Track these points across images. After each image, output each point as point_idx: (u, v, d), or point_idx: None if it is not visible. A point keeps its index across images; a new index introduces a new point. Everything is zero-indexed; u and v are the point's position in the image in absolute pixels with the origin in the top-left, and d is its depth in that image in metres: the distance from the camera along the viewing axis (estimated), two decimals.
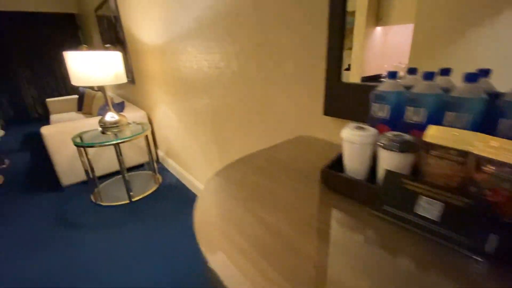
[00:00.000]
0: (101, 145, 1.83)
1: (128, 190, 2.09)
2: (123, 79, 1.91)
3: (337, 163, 0.57)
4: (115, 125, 1.99)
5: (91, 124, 2.27)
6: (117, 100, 3.00)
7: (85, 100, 3.74)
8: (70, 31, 5.12)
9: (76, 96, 4.07)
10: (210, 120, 1.56)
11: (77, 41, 5.22)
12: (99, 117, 2.35)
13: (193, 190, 2.12)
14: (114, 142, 1.86)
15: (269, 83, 1.03)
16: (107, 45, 4.01)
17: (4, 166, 2.92)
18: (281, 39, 0.92)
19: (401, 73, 0.57)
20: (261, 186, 0.57)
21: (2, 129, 4.50)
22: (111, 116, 1.98)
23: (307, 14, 0.80)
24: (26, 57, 4.83)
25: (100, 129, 2.03)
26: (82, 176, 2.33)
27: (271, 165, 0.66)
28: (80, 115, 3.63)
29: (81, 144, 1.82)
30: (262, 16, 0.96)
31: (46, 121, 5.06)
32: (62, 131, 2.14)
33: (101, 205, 2.02)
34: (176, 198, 2.06)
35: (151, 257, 1.48)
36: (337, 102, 0.72)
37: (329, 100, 0.75)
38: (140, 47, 2.31)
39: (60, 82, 5.24)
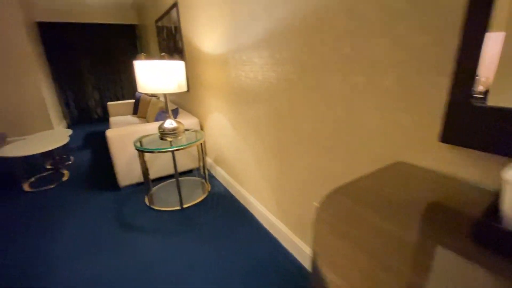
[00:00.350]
0: (160, 151, 1.87)
1: (181, 197, 2.11)
2: (185, 87, 1.95)
3: (491, 212, 0.44)
4: (173, 132, 2.04)
5: (149, 129, 2.36)
6: (171, 106, 3.11)
7: (140, 105, 3.98)
8: (130, 41, 5.58)
9: (132, 101, 4.37)
10: (270, 133, 1.49)
11: (135, 50, 5.66)
12: (156, 123, 2.44)
13: (242, 202, 2.07)
14: (172, 149, 1.89)
15: (356, 100, 0.93)
16: (163, 54, 4.27)
17: (69, 162, 3.20)
18: (378, 51, 0.81)
19: None
20: (385, 232, 0.46)
21: (67, 128, 5.00)
22: (170, 123, 2.03)
23: (425, 23, 0.68)
24: (93, 64, 5.35)
25: (158, 134, 2.10)
26: (137, 178, 2.43)
27: (386, 203, 0.55)
28: (135, 119, 3.87)
29: (142, 149, 1.88)
30: (355, 25, 0.87)
31: (105, 122, 5.54)
32: (123, 134, 2.26)
33: (154, 209, 2.06)
34: (225, 208, 2.02)
35: (204, 270, 1.44)
36: (469, 129, 0.59)
37: (454, 125, 0.62)
38: (198, 56, 2.37)
39: (118, 88, 5.71)
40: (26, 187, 2.58)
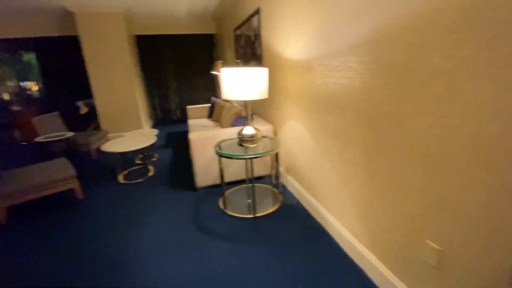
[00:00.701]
0: (238, 157, 1.87)
1: (254, 205, 2.08)
2: (266, 94, 1.91)
3: None
4: (251, 138, 2.02)
5: (226, 134, 2.42)
6: (245, 112, 3.16)
7: (215, 109, 4.21)
8: (207, 49, 6.02)
9: (208, 105, 4.66)
10: (362, 147, 1.30)
11: (212, 58, 6.07)
12: (233, 128, 2.49)
13: (318, 218, 1.91)
14: (250, 156, 1.87)
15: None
16: (238, 61, 4.44)
17: (154, 159, 3.57)
18: None
19: None
20: None
21: (153, 127, 5.66)
22: (249, 130, 2.03)
23: None
24: (175, 70, 5.97)
25: (237, 140, 2.12)
26: (212, 181, 2.52)
27: None
28: (210, 122, 4.09)
29: (222, 154, 1.92)
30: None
31: (183, 123, 6.08)
32: (204, 138, 2.37)
33: (227, 213, 2.08)
34: (299, 223, 1.90)
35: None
36: None
37: None
38: (277, 63, 2.32)
39: (195, 92, 6.22)
40: (120, 178, 2.96)
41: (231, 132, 2.45)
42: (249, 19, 3.09)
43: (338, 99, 1.46)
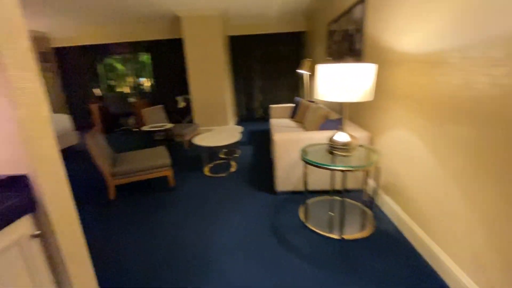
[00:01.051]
0: (327, 167, 1.62)
1: (342, 224, 1.80)
2: (370, 96, 1.59)
3: None
4: (344, 147, 1.74)
5: (313, 138, 2.19)
6: (334, 115, 2.85)
7: (299, 110, 4.01)
8: (294, 48, 5.84)
9: (291, 105, 4.50)
10: None
11: (298, 56, 5.87)
12: (321, 132, 2.23)
13: (427, 258, 1.47)
14: (343, 168, 1.60)
15: None
16: (329, 58, 4.10)
17: (237, 155, 3.65)
18: None
19: None
20: None
21: (236, 124, 5.90)
22: (342, 137, 1.74)
23: None
24: (261, 69, 6.04)
25: (327, 147, 1.87)
26: (293, 186, 2.34)
27: None
28: (292, 122, 3.92)
29: (309, 161, 1.70)
30: None
31: (264, 121, 6.12)
32: (288, 140, 2.21)
33: (309, 227, 1.86)
34: (400, 260, 1.51)
35: None
36: None
37: None
38: (384, 58, 1.93)
39: (278, 91, 6.16)
40: (206, 170, 3.12)
41: (319, 137, 2.20)
42: (348, 10, 2.74)
43: (493, 107, 1.03)
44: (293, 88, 6.14)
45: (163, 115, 4.67)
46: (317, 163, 1.67)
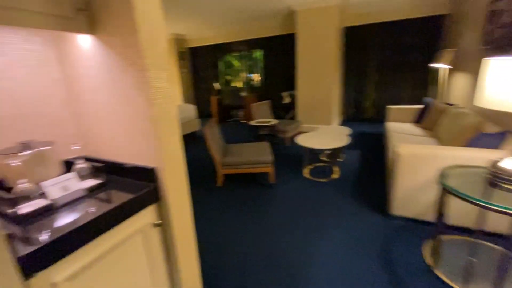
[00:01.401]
0: (488, 206, 1.14)
1: (499, 284, 1.27)
2: None
3: None
4: None
5: (458, 156, 1.64)
6: (489, 127, 2.08)
7: (429, 114, 3.22)
8: (427, 36, 4.72)
9: (417, 107, 3.69)
10: None
11: (430, 46, 4.73)
12: (470, 150, 1.65)
13: None
14: (509, 210, 1.08)
15: None
16: (484, 47, 3.07)
17: (341, 160, 3.30)
18: None
19: None
20: None
21: (341, 124, 5.41)
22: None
23: None
24: (379, 64, 5.23)
25: (486, 174, 1.34)
26: (415, 213, 1.86)
27: None
28: (417, 129, 3.20)
29: (456, 192, 1.25)
30: None
31: (376, 123, 5.34)
32: (418, 154, 1.74)
33: (437, 275, 1.41)
34: None
35: None
36: None
37: None
38: None
39: (397, 89, 5.21)
40: (305, 172, 2.96)
41: (467, 155, 1.63)
42: None
43: None
44: (419, 86, 5.05)
45: (269, 111, 4.79)
46: (470, 197, 1.20)
